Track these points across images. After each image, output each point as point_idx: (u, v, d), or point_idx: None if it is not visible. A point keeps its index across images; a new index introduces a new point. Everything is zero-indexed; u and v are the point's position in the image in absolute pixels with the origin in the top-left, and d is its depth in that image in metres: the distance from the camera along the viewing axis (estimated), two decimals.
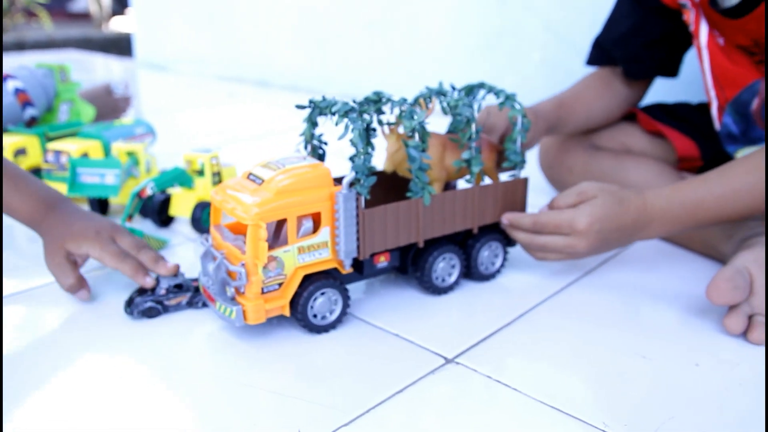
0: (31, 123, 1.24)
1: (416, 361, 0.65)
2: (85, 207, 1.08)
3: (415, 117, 0.70)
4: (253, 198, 0.65)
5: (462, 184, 0.87)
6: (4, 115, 1.18)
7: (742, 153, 0.92)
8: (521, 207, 0.83)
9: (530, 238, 0.79)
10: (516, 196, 0.82)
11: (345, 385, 0.61)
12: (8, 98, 1.20)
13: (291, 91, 2.39)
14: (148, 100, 2.28)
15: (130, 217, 0.89)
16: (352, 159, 0.69)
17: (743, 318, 0.69)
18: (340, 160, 0.85)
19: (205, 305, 0.76)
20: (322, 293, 0.69)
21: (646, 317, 0.75)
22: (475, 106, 0.77)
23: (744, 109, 0.89)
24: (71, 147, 1.05)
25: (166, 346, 0.68)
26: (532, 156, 1.30)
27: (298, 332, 0.70)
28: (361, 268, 0.74)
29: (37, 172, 1.15)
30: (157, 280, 0.75)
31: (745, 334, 0.70)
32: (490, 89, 0.79)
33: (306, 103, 0.73)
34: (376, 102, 0.71)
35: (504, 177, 0.84)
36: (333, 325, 0.71)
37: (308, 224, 0.68)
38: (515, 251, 0.90)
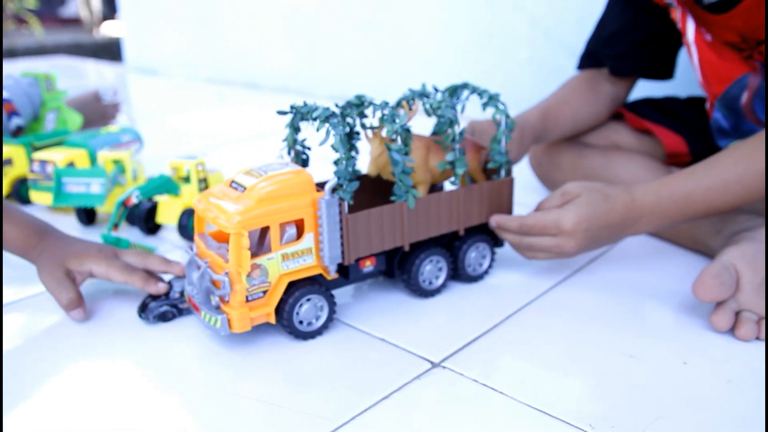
0: (17, 133, 1.24)
1: (403, 366, 0.65)
2: (72, 217, 1.07)
3: (397, 120, 0.70)
4: (235, 206, 0.65)
5: (449, 186, 0.87)
6: None
7: None
8: (508, 207, 0.83)
9: (519, 238, 0.79)
10: (502, 196, 0.82)
11: (331, 391, 0.61)
12: None
13: (281, 93, 2.39)
14: (138, 105, 2.28)
15: (115, 226, 0.89)
16: (335, 164, 0.69)
17: (730, 314, 0.69)
18: (325, 165, 0.85)
19: None
20: (308, 299, 0.69)
21: (635, 315, 0.75)
22: (459, 107, 0.77)
23: (734, 104, 0.89)
24: (57, 156, 1.05)
25: (151, 355, 0.68)
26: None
27: (285, 339, 0.70)
28: (347, 273, 0.73)
29: (23, 182, 1.15)
30: (170, 285, 0.75)
31: (732, 331, 0.70)
32: (474, 90, 0.79)
33: (287, 108, 0.73)
34: (358, 106, 0.71)
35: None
36: (319, 331, 0.70)
37: (292, 231, 0.67)
38: (503, 250, 0.90)
